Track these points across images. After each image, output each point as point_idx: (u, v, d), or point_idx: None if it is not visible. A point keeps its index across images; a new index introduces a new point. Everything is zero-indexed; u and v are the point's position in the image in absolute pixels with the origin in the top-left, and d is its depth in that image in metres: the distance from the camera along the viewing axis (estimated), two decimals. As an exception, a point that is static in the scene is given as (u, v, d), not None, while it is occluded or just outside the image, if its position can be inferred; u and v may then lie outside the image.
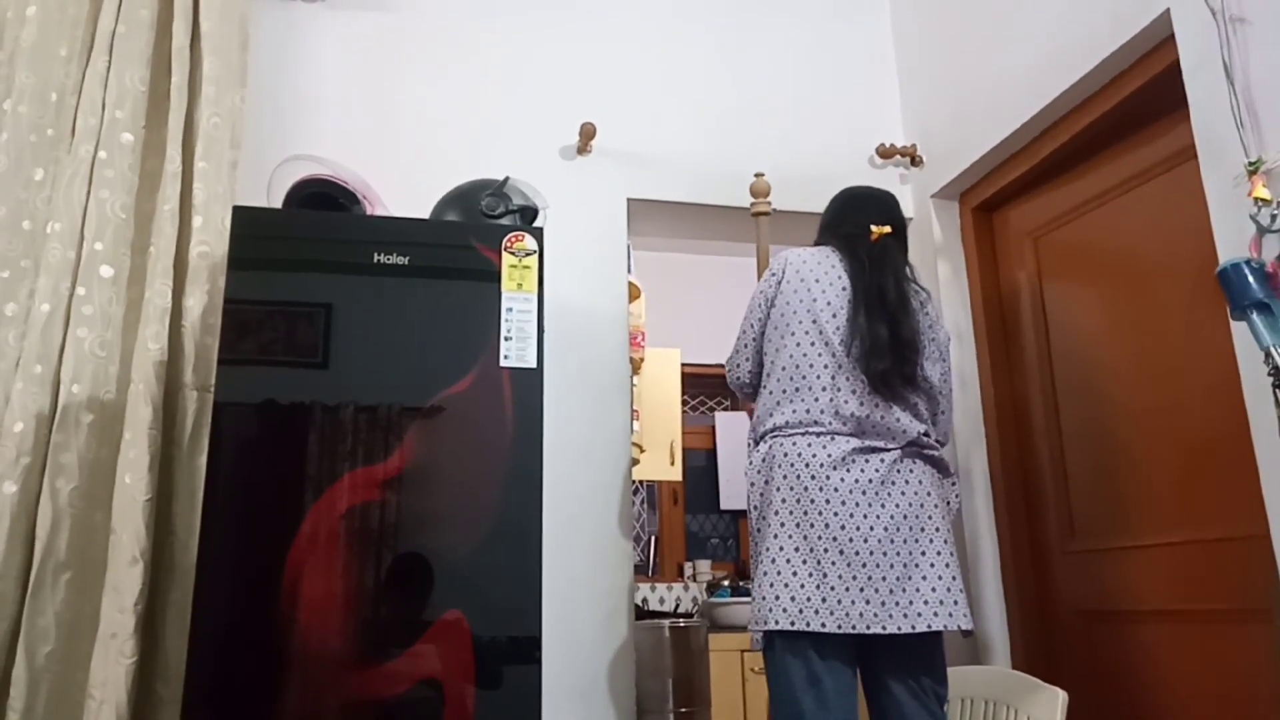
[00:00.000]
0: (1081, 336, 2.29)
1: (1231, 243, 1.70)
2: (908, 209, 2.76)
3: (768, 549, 1.74)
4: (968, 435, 2.53)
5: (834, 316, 1.81)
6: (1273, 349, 1.51)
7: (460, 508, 1.71)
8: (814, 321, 1.82)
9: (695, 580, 4.34)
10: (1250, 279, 1.54)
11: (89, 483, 1.93)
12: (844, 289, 1.84)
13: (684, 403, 4.23)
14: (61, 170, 2.10)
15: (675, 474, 3.78)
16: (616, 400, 2.49)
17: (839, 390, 1.77)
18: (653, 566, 4.41)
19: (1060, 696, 1.75)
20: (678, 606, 4.29)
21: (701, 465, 4.61)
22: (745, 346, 1.95)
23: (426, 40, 2.63)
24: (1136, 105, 2.08)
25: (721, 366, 2.14)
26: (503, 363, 1.79)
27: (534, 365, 1.80)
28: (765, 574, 1.73)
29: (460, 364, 1.77)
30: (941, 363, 1.89)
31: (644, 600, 4.24)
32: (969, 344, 2.59)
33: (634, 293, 2.77)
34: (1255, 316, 1.53)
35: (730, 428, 4.58)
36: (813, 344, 1.81)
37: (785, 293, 1.87)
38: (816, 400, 1.77)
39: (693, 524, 4.57)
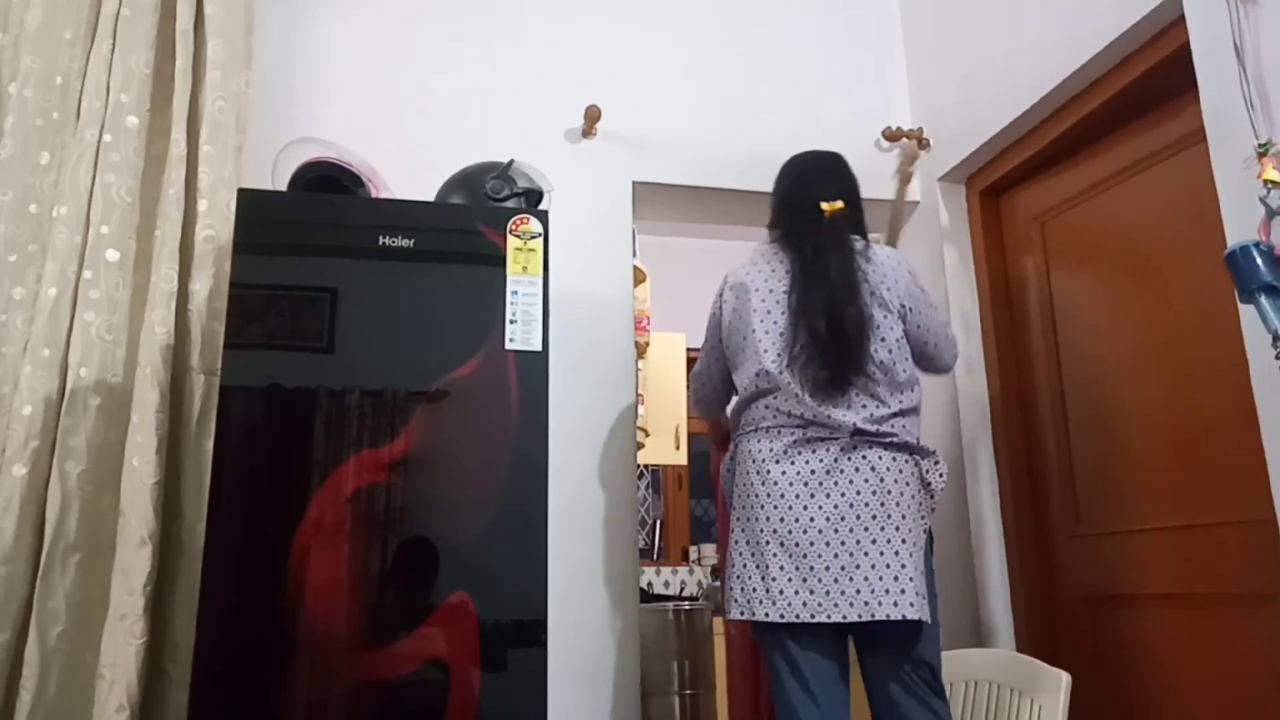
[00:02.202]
0: (1088, 321, 2.28)
1: (1240, 226, 1.69)
2: (914, 192, 2.75)
3: (732, 542, 1.84)
4: (974, 421, 2.53)
5: (774, 324, 1.83)
6: (1280, 332, 1.50)
7: (466, 490, 1.72)
8: (755, 336, 1.84)
9: (700, 564, 4.36)
10: (1259, 262, 1.53)
11: (97, 466, 1.94)
12: (785, 293, 1.83)
13: (689, 387, 4.22)
14: (67, 154, 2.10)
15: (680, 458, 3.80)
16: (621, 384, 2.49)
17: (785, 398, 1.79)
18: (657, 550, 4.43)
19: (1064, 679, 1.76)
20: (682, 590, 4.31)
21: (706, 450, 4.62)
22: (708, 367, 2.02)
23: (431, 23, 2.61)
24: (1145, 88, 2.07)
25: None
26: (508, 346, 1.79)
27: (539, 348, 1.80)
28: (728, 566, 1.83)
29: (465, 347, 1.78)
30: (910, 314, 1.83)
31: (649, 584, 4.26)
32: (975, 330, 2.58)
33: (639, 277, 2.77)
34: (1264, 300, 1.52)
35: (735, 412, 4.58)
36: (758, 357, 1.82)
37: (726, 314, 1.93)
38: (767, 407, 1.82)
39: (697, 508, 4.59)
